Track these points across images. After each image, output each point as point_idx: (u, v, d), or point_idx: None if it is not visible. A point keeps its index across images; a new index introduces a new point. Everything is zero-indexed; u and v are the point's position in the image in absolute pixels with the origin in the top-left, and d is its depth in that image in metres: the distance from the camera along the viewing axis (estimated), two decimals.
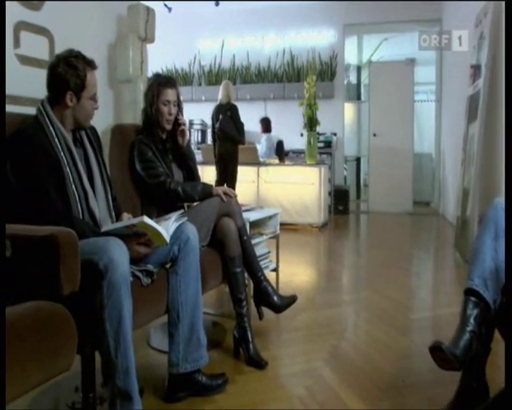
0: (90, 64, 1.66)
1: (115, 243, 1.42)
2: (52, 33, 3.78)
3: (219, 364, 2.02)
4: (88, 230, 1.58)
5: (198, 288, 1.80)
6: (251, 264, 2.18)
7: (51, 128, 1.64)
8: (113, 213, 1.78)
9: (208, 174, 5.72)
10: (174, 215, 1.74)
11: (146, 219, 1.52)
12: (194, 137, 7.94)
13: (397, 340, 2.28)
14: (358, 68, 8.76)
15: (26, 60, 3.59)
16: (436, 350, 1.38)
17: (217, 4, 6.66)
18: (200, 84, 8.02)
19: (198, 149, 7.23)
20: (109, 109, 4.23)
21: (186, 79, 8.05)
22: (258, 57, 7.69)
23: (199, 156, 6.42)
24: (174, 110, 2.16)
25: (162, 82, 2.15)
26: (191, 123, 7.91)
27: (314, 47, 7.19)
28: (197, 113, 7.74)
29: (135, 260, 1.66)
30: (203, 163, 6.07)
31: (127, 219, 1.78)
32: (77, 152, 1.71)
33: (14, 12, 3.44)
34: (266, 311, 2.23)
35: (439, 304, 2.96)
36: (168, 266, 1.79)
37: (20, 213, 1.60)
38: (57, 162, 1.61)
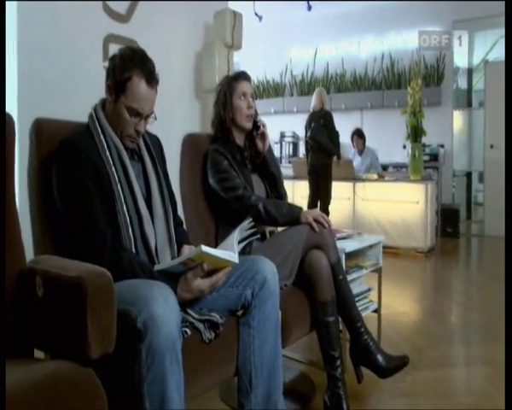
0: (144, 71, 1.31)
1: (160, 292, 1.04)
2: (139, 44, 3.68)
3: None
4: (138, 266, 1.23)
5: (277, 345, 1.37)
6: (347, 311, 1.70)
7: (102, 137, 1.33)
8: (175, 243, 1.42)
9: (300, 190, 5.35)
10: (238, 228, 1.35)
11: (205, 249, 1.13)
12: (286, 150, 7.64)
13: None
14: (469, 71, 7.76)
15: None
16: None
17: (309, 9, 6.27)
18: (291, 95, 7.68)
19: (289, 162, 6.90)
20: (196, 120, 4.02)
21: (277, 89, 7.77)
22: (354, 64, 7.13)
23: (289, 170, 6.08)
24: (253, 103, 1.79)
25: (234, 77, 1.83)
26: (282, 135, 7.63)
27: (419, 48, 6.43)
28: (288, 125, 7.42)
29: (196, 303, 1.29)
30: (294, 178, 5.71)
31: (188, 249, 1.40)
32: (134, 166, 1.38)
33: (102, 25, 3.38)
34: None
35: None
36: (239, 313, 1.39)
37: (66, 242, 1.32)
38: (107, 178, 1.29)
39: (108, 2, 3.26)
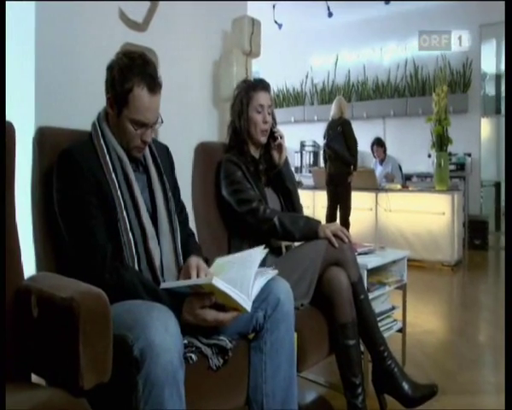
0: (145, 79, 1.21)
1: (159, 317, 0.95)
2: (157, 53, 3.65)
3: None
4: (141, 286, 1.14)
5: (291, 372, 1.25)
6: (369, 334, 1.57)
7: (104, 148, 1.25)
8: (182, 260, 1.33)
9: (320, 199, 5.24)
10: (258, 256, 1.23)
11: (215, 282, 1.03)
12: (306, 159, 7.53)
13: None
14: (497, 77, 7.51)
15: None
16: None
17: (330, 16, 6.17)
18: (312, 104, 7.57)
19: (309, 172, 6.78)
20: (213, 128, 3.96)
21: (298, 98, 7.67)
22: (376, 71, 6.98)
23: (310, 180, 5.96)
24: (269, 118, 1.69)
25: (252, 85, 1.71)
26: (303, 144, 7.53)
27: (444, 53, 6.23)
28: (309, 134, 7.33)
29: (202, 330, 1.19)
30: (315, 188, 5.61)
31: (195, 265, 1.28)
32: (138, 179, 1.30)
33: (119, 34, 3.36)
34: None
35: None
36: (250, 336, 1.28)
37: (67, 259, 1.25)
38: (109, 192, 1.21)
39: (125, 10, 3.23)
